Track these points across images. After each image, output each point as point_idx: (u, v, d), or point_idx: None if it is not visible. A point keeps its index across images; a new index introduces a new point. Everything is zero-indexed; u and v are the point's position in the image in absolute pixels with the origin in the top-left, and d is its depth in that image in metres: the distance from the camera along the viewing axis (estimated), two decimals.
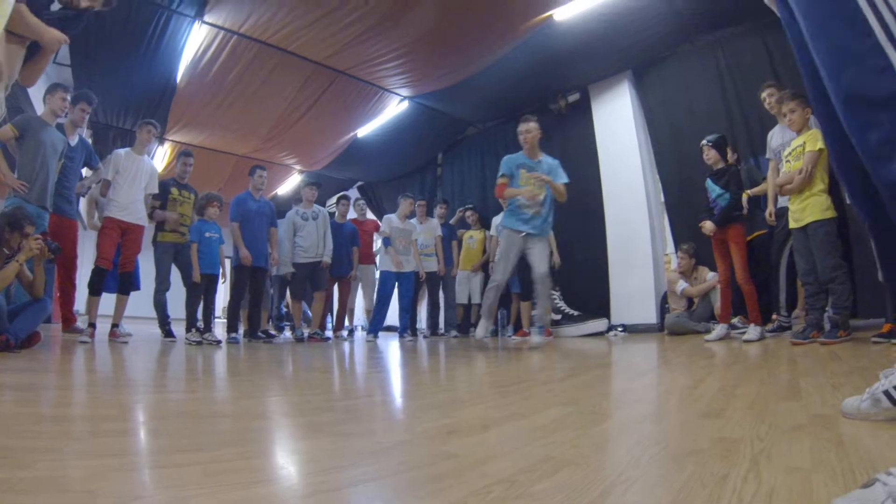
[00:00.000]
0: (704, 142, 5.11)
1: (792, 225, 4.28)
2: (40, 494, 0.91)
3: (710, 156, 5.08)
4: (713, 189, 5.02)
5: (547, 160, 5.36)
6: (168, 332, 5.61)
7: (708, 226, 5.00)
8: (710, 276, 5.94)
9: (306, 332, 6.64)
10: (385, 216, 7.27)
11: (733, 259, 4.84)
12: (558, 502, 0.90)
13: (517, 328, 7.25)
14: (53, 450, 1.24)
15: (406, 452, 1.27)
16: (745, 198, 4.91)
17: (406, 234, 6.95)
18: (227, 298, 6.33)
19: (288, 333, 7.64)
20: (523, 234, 5.14)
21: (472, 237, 8.03)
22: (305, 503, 0.94)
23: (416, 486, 1.03)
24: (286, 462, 1.26)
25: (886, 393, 1.41)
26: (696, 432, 1.40)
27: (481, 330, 5.38)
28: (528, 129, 5.32)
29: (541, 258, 5.13)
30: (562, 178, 5.29)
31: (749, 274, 4.76)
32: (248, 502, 0.91)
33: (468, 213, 8.15)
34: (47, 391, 2.21)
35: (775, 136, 4.82)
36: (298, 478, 1.12)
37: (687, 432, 1.41)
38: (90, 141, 6.83)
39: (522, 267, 5.50)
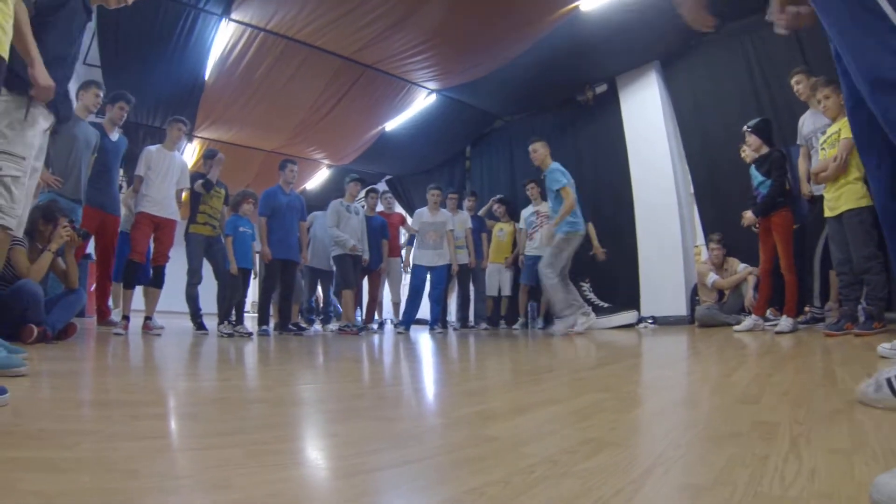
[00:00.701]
0: (746, 127, 4.96)
1: (827, 214, 4.19)
2: (84, 473, 0.95)
3: (751, 142, 4.92)
4: (756, 177, 4.88)
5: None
6: (200, 325, 5.70)
7: (748, 217, 4.89)
8: (740, 268, 5.87)
9: (336, 325, 6.71)
10: (416, 211, 7.31)
11: (778, 248, 4.69)
12: (602, 481, 0.92)
13: (548, 321, 7.26)
14: (95, 432, 1.28)
15: (444, 436, 1.29)
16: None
17: (438, 227, 6.95)
18: (258, 292, 6.42)
19: (318, 326, 7.73)
20: None
21: (501, 230, 8.01)
22: (348, 484, 0.97)
23: (458, 466, 1.06)
24: (325, 444, 1.29)
25: (889, 381, 1.41)
26: (733, 417, 1.41)
27: (561, 326, 5.65)
28: (535, 148, 6.17)
29: None
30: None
31: (794, 264, 4.67)
32: (291, 482, 0.95)
33: (496, 206, 8.15)
34: (85, 379, 2.29)
35: (806, 123, 4.74)
36: (338, 460, 1.14)
37: (724, 417, 1.42)
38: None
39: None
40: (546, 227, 6.08)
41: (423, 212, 7.11)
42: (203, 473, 1.00)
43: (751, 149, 4.95)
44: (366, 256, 6.79)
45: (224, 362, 3.28)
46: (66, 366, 2.61)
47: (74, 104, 4.93)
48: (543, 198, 7.29)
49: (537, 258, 6.87)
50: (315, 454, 1.19)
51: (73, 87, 5.36)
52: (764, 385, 1.91)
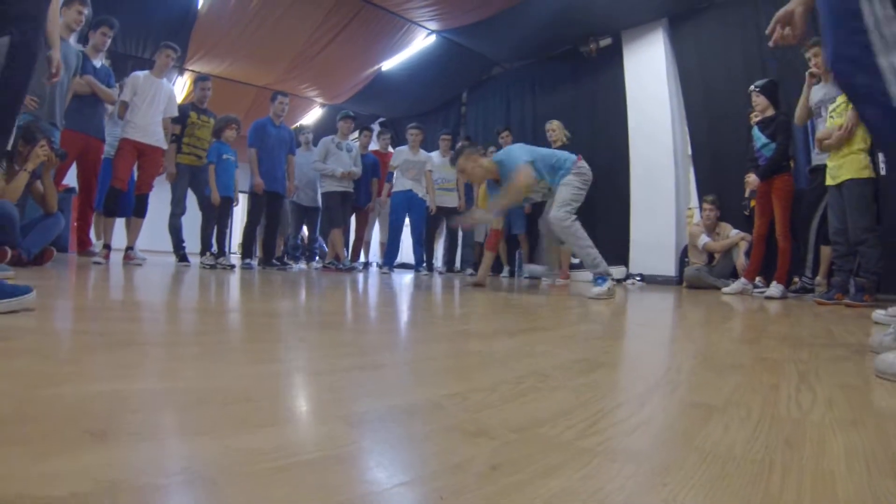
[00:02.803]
0: (752, 87, 4.81)
1: (828, 181, 4.10)
2: (19, 359, 0.85)
3: (758, 102, 4.76)
4: (759, 138, 4.75)
5: None
6: (182, 257, 5.57)
7: (752, 180, 4.80)
8: (732, 233, 5.80)
9: (320, 263, 6.59)
10: (397, 149, 7.17)
11: (776, 213, 4.62)
12: (601, 395, 0.82)
13: None
14: (46, 330, 1.18)
15: (424, 349, 1.18)
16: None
17: (417, 166, 6.82)
18: (244, 225, 6.27)
19: (303, 264, 7.61)
20: None
21: None
22: (308, 381, 0.87)
23: (438, 373, 0.95)
24: (290, 346, 1.17)
25: None
26: (733, 352, 1.31)
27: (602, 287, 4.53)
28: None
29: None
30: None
31: (790, 230, 4.60)
32: (245, 378, 0.83)
33: (490, 151, 7.96)
34: (53, 292, 2.13)
35: (817, 92, 4.61)
36: (301, 361, 1.03)
37: (723, 352, 1.32)
38: None
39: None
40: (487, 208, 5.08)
41: (404, 149, 7.00)
42: (150, 365, 0.89)
43: (757, 109, 4.81)
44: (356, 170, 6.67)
45: (203, 288, 3.17)
46: (35, 283, 2.46)
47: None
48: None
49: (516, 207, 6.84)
50: (278, 354, 1.07)
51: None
52: (760, 332, 1.82)
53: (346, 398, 0.75)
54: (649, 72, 7.00)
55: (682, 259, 6.39)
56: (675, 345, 1.44)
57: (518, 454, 0.56)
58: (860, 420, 0.76)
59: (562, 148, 6.16)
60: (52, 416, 0.59)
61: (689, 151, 6.83)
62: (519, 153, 4.19)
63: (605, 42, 7.48)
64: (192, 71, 9.01)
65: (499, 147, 7.39)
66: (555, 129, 6.56)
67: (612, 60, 7.42)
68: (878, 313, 2.61)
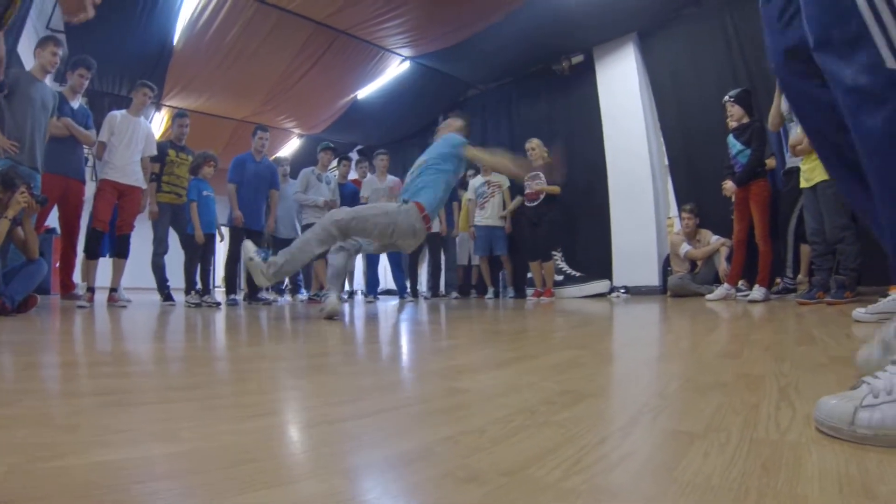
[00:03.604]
0: (727, 98, 4.95)
1: (803, 184, 4.21)
2: (19, 429, 0.86)
3: (733, 112, 4.90)
4: (734, 145, 4.87)
5: None
6: (167, 296, 5.54)
7: (729, 187, 4.92)
8: (713, 239, 5.89)
9: (305, 295, 6.59)
10: (365, 180, 7.24)
11: (754, 218, 4.73)
12: (586, 429, 0.86)
13: (518, 290, 7.25)
14: (39, 391, 1.19)
15: (414, 388, 1.21)
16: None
17: (386, 192, 6.86)
18: (224, 262, 6.28)
19: (288, 297, 7.60)
20: None
21: (470, 199, 7.90)
22: (307, 434, 0.89)
23: (429, 416, 0.98)
24: (285, 396, 1.20)
25: None
26: (715, 369, 1.35)
27: None
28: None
29: None
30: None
31: (769, 234, 4.69)
32: (245, 434, 0.86)
33: (469, 173, 8.01)
34: (40, 345, 2.13)
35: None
36: (298, 412, 1.06)
37: (707, 369, 1.36)
38: None
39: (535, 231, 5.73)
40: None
41: (372, 178, 7.10)
42: (148, 426, 0.91)
43: (733, 119, 4.92)
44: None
45: (190, 329, 3.17)
46: (22, 336, 2.46)
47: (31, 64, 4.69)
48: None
49: (490, 228, 7.09)
50: (273, 406, 1.10)
51: (31, 41, 5.12)
52: (743, 343, 1.87)
53: (342, 452, 0.77)
54: (622, 86, 7.13)
55: (665, 268, 6.46)
56: (660, 365, 1.48)
57: (507, 499, 0.60)
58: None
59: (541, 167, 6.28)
60: (61, 493, 0.61)
61: (666, 162, 6.92)
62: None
63: (578, 59, 7.61)
64: (170, 106, 9.03)
65: (476, 170, 7.47)
66: (535, 147, 6.63)
67: (586, 77, 7.56)
68: (859, 312, 2.68)
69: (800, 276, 4.99)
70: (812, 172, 4.11)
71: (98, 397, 1.10)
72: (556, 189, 6.54)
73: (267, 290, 6.89)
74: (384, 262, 7.19)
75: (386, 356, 1.83)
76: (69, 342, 2.33)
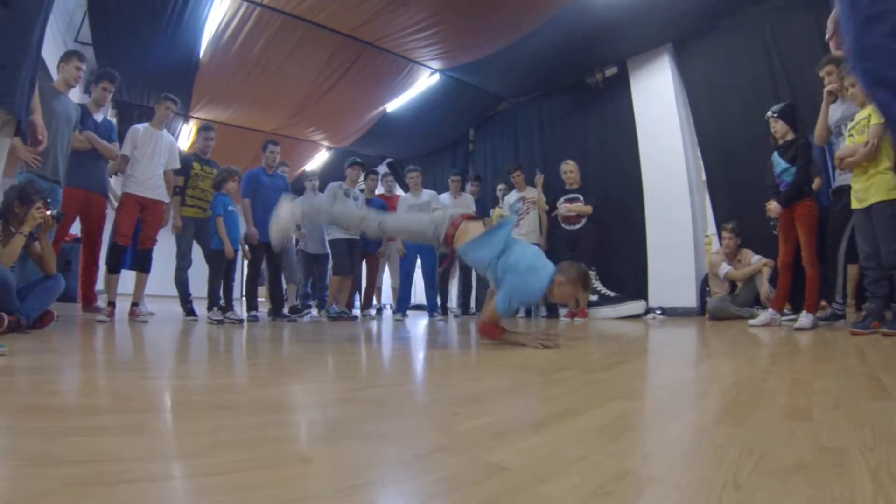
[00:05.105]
0: (770, 113, 4.75)
1: (855, 205, 3.96)
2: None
3: (777, 128, 4.70)
4: (779, 163, 4.66)
5: None
6: (190, 311, 5.50)
7: (773, 207, 4.72)
8: (754, 259, 5.64)
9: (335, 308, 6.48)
10: (401, 197, 7.15)
11: (801, 239, 4.52)
12: None
13: (551, 309, 7.04)
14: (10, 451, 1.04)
15: (446, 463, 1.03)
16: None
17: (423, 208, 6.73)
18: (245, 278, 6.28)
19: (315, 312, 7.50)
20: None
21: (502, 215, 7.72)
22: None
23: None
24: (292, 475, 0.97)
25: None
26: (789, 440, 1.16)
27: None
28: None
29: None
30: None
31: (816, 257, 4.46)
32: None
33: (501, 189, 7.83)
34: (39, 377, 1.96)
35: (835, 109, 4.49)
36: (303, 502, 0.85)
37: (779, 439, 1.17)
38: (114, 121, 6.66)
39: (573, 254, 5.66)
40: None
41: (407, 196, 7.05)
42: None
43: (777, 135, 4.70)
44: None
45: (213, 355, 3.04)
46: (27, 360, 2.34)
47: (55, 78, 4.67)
48: (529, 183, 7.19)
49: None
50: (282, 489, 0.91)
51: (55, 54, 5.12)
52: (808, 395, 1.67)
53: None
54: (658, 99, 6.94)
55: (703, 289, 6.22)
56: (722, 429, 1.29)
57: None
58: None
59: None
60: None
61: (704, 177, 6.70)
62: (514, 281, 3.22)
63: (611, 71, 7.44)
64: (198, 118, 9.07)
65: (509, 185, 7.30)
66: (572, 170, 6.49)
67: (620, 89, 7.39)
68: None
69: (847, 300, 4.72)
70: (865, 192, 3.87)
71: (72, 468, 0.94)
72: (588, 209, 6.38)
73: (295, 306, 6.79)
74: (417, 276, 7.10)
75: (411, 407, 1.66)
76: (73, 371, 2.20)
